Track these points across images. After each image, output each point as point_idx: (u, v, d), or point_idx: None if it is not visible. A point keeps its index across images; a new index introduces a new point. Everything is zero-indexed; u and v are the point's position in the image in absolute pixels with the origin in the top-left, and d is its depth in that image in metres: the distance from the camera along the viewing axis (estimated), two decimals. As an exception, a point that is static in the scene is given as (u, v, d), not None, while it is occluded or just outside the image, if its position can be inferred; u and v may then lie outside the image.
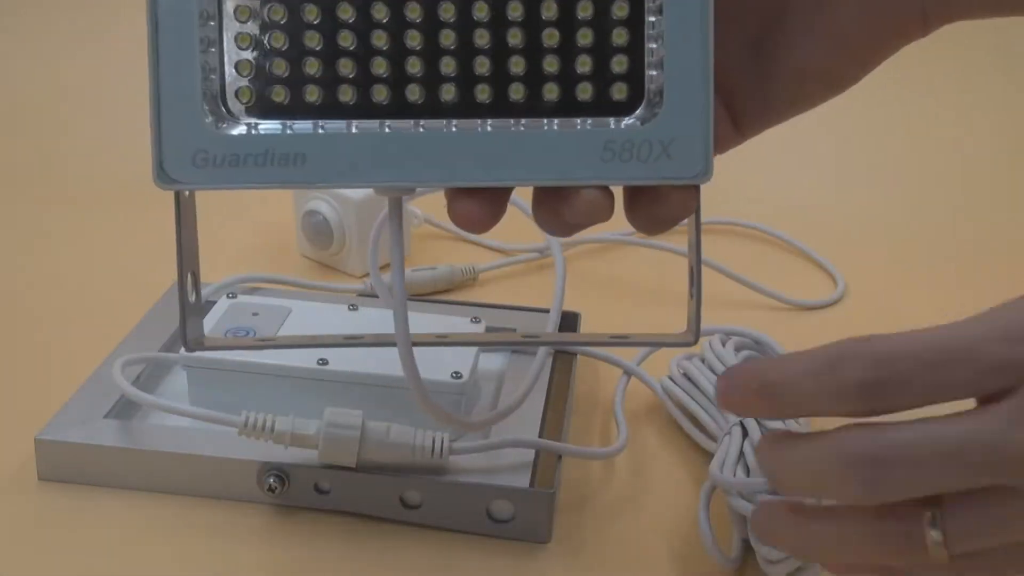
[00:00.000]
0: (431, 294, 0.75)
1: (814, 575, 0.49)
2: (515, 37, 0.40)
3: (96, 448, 0.55)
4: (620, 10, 0.40)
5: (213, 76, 0.40)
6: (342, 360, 0.57)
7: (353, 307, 0.63)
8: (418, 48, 0.40)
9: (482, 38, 0.40)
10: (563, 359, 0.64)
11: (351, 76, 0.40)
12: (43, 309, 0.73)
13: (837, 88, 0.46)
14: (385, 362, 0.57)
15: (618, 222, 0.88)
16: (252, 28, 0.40)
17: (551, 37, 0.40)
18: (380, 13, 0.40)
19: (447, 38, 0.40)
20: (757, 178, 0.92)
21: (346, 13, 0.40)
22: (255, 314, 0.61)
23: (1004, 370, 0.36)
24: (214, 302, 0.64)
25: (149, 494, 0.55)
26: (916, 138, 1.01)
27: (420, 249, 0.81)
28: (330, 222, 0.76)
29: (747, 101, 0.46)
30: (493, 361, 0.64)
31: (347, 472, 0.53)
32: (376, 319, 0.62)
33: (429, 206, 0.81)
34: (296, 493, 0.54)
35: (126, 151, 0.96)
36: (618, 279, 0.79)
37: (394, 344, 0.45)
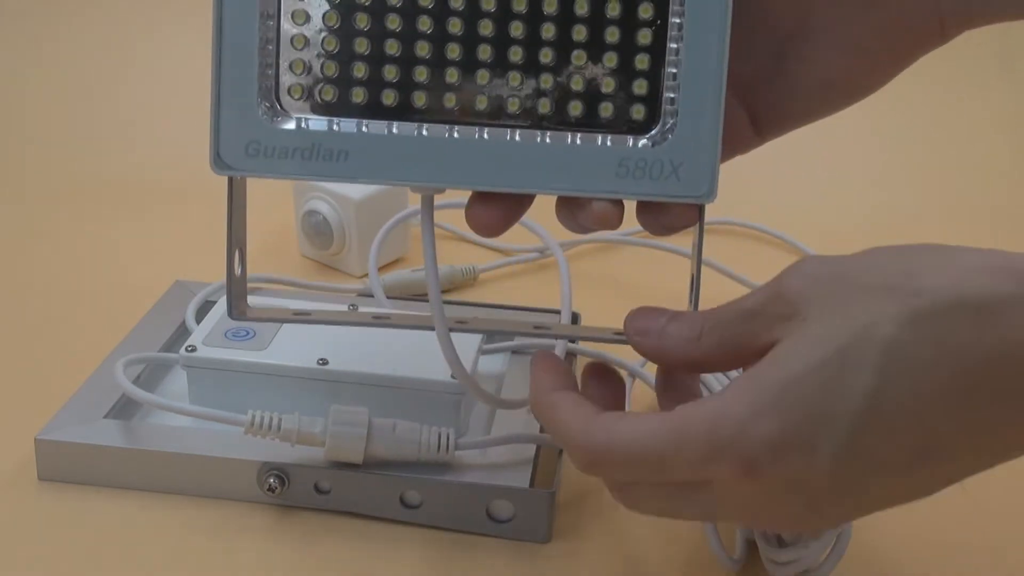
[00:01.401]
0: (431, 294, 0.75)
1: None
2: (546, 56, 0.44)
3: (96, 448, 0.55)
4: (644, 38, 0.43)
5: (269, 72, 0.44)
6: (342, 360, 0.57)
7: (353, 307, 0.63)
8: (457, 59, 0.44)
9: (516, 55, 0.44)
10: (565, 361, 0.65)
11: (394, 81, 0.44)
12: (43, 309, 0.73)
13: (857, 96, 0.47)
14: (384, 362, 0.57)
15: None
16: (308, 31, 0.44)
17: (579, 58, 0.44)
18: (424, 25, 0.44)
19: (484, 52, 0.44)
20: (757, 178, 0.92)
21: (393, 23, 0.43)
22: (255, 314, 0.61)
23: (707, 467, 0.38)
24: (214, 302, 0.64)
25: (149, 494, 0.55)
26: (917, 138, 1.01)
27: (420, 249, 0.81)
28: (330, 222, 0.76)
29: (768, 108, 0.47)
30: (493, 362, 0.64)
31: (347, 472, 0.53)
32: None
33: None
34: (296, 493, 0.54)
35: (127, 152, 0.96)
36: (618, 279, 0.79)
37: (427, 327, 0.50)
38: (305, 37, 0.44)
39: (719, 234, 0.86)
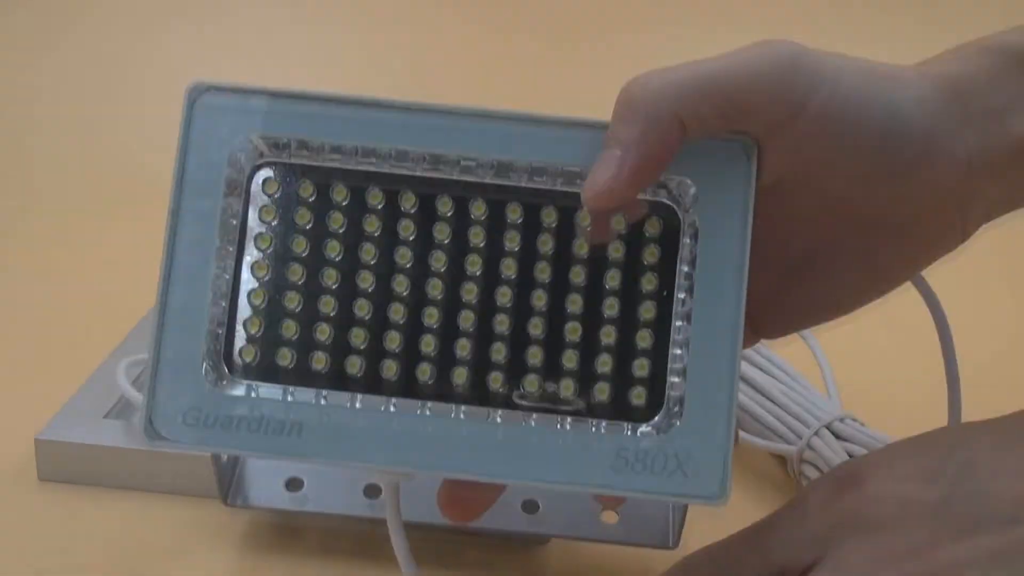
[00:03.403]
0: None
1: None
2: (536, 327, 0.39)
3: (96, 448, 0.55)
4: (647, 312, 0.39)
5: (220, 331, 0.39)
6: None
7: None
8: (435, 326, 0.39)
9: (502, 324, 0.39)
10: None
11: (361, 347, 0.39)
12: (43, 309, 0.73)
13: (863, 305, 0.44)
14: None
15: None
16: (267, 285, 0.39)
17: (573, 331, 0.39)
18: (400, 286, 0.39)
19: (466, 319, 0.39)
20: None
21: (366, 282, 0.39)
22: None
23: (803, 549, 0.38)
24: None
25: (149, 494, 0.55)
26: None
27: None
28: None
29: (769, 319, 0.43)
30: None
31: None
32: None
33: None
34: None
35: (127, 152, 0.96)
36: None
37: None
38: (264, 292, 0.39)
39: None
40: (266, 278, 0.39)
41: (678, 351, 0.38)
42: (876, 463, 0.39)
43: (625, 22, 1.20)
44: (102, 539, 0.53)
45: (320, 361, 0.39)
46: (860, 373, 0.59)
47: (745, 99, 0.37)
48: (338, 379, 0.39)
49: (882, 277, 0.43)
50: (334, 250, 0.39)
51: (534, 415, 0.39)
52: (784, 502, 0.55)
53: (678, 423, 0.38)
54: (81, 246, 0.82)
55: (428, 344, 0.39)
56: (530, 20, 1.21)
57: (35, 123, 1.01)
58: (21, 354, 0.68)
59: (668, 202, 0.39)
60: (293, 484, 0.51)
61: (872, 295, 0.43)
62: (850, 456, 0.53)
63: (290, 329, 0.39)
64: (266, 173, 0.39)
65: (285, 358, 0.39)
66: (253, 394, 0.38)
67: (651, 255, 0.39)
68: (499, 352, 0.39)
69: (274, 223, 0.39)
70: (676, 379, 0.38)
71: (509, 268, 0.39)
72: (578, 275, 0.39)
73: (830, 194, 0.40)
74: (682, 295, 0.38)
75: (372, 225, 0.39)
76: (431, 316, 0.39)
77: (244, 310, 0.39)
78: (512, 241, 0.39)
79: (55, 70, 1.07)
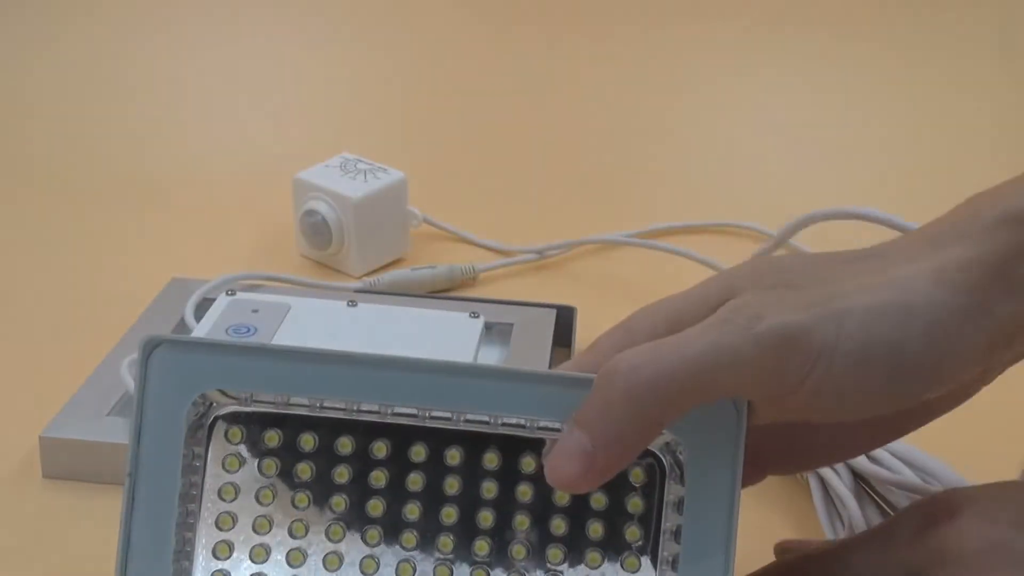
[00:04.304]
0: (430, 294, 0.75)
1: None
2: None
3: (99, 445, 0.55)
4: (631, 564, 0.38)
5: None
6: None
7: (352, 303, 0.64)
8: None
9: None
10: (561, 352, 0.65)
11: None
12: (44, 307, 0.73)
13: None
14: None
15: (618, 222, 0.88)
16: (233, 539, 0.39)
17: None
18: (372, 539, 0.38)
19: (441, 574, 0.38)
20: (755, 178, 0.92)
21: (336, 535, 0.38)
22: (255, 311, 0.61)
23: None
24: (213, 299, 0.64)
25: (152, 491, 0.55)
26: (921, 141, 1.01)
27: (420, 249, 0.81)
28: (328, 222, 0.76)
29: (775, 459, 0.43)
30: (492, 356, 0.64)
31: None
32: (375, 316, 0.62)
33: (428, 206, 0.81)
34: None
35: (127, 149, 0.96)
36: (618, 279, 0.80)
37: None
38: (230, 547, 0.39)
39: (719, 234, 0.86)
40: (232, 529, 0.39)
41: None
42: (972, 500, 0.38)
43: (625, 15, 1.21)
44: (106, 536, 0.53)
45: None
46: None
47: (732, 389, 0.36)
48: None
49: (897, 431, 0.42)
50: (303, 501, 0.39)
51: None
52: (787, 500, 0.56)
53: None
54: (82, 243, 0.82)
55: None
56: (528, 13, 1.21)
57: (34, 122, 1.02)
58: (24, 352, 0.68)
59: (653, 449, 0.38)
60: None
61: (887, 441, 0.43)
62: (873, 460, 0.53)
63: None
64: (228, 422, 0.38)
65: None
66: None
67: (635, 506, 0.38)
68: None
69: (239, 473, 0.39)
70: None
71: (486, 519, 0.38)
72: (559, 527, 0.38)
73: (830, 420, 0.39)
74: (668, 542, 0.37)
75: (343, 475, 0.38)
76: (405, 571, 0.38)
77: (209, 564, 0.38)
78: (489, 491, 0.38)
79: (54, 67, 1.07)
